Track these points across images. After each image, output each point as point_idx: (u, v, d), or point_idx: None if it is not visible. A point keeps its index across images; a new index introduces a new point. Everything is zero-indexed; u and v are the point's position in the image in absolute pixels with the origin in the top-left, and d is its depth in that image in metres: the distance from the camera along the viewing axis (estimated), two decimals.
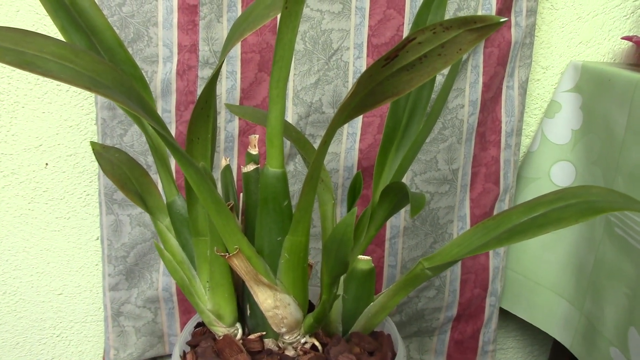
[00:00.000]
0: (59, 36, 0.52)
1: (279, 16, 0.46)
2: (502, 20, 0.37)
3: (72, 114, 0.89)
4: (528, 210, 0.49)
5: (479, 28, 0.38)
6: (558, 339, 0.94)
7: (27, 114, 0.88)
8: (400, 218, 0.92)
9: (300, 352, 0.55)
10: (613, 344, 0.80)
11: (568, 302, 0.93)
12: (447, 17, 0.83)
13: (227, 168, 0.60)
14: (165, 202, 0.57)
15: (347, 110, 0.43)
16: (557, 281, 0.95)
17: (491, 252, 0.98)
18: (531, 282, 0.98)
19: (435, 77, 0.63)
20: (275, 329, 0.54)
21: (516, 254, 1.01)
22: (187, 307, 0.92)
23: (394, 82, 0.41)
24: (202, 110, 0.49)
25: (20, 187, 0.92)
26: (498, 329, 1.10)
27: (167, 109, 0.82)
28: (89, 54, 0.40)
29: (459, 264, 0.97)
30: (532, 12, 0.87)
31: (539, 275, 0.97)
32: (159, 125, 0.42)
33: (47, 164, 0.92)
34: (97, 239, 0.97)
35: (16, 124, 0.89)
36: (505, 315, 1.09)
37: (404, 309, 0.97)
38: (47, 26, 0.84)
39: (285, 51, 0.44)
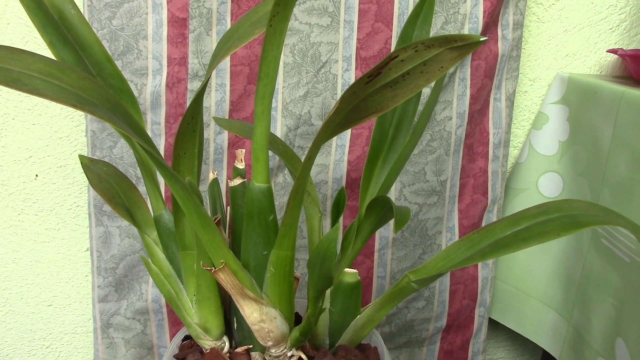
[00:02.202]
0: (49, 50, 0.53)
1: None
2: (481, 39, 0.38)
3: (62, 126, 0.90)
4: (511, 224, 0.50)
5: (460, 47, 0.38)
6: (547, 349, 0.95)
7: (17, 125, 0.89)
8: (389, 229, 0.92)
9: None
10: (601, 355, 0.81)
11: (556, 312, 0.93)
12: (434, 29, 0.84)
13: (215, 181, 0.60)
14: (152, 215, 0.57)
15: (332, 127, 0.43)
16: (546, 292, 0.95)
17: (480, 263, 0.98)
18: (520, 293, 0.99)
19: (420, 91, 0.63)
20: (261, 343, 0.54)
21: (505, 265, 1.01)
22: (176, 318, 0.92)
23: (377, 99, 0.42)
24: (189, 126, 0.50)
25: (10, 198, 0.92)
26: (488, 339, 1.10)
27: (157, 121, 0.82)
28: (76, 71, 0.40)
29: (448, 274, 0.97)
30: (519, 25, 0.88)
31: (528, 286, 0.98)
32: (145, 141, 0.43)
33: (37, 175, 0.92)
34: (87, 250, 0.97)
35: (6, 135, 0.89)
36: (494, 326, 1.10)
37: (393, 320, 0.97)
38: (37, 39, 0.84)
39: (270, 68, 0.45)
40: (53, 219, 0.95)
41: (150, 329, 0.92)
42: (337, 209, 0.61)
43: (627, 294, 0.76)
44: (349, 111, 0.43)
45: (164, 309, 0.91)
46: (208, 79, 0.48)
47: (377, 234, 0.92)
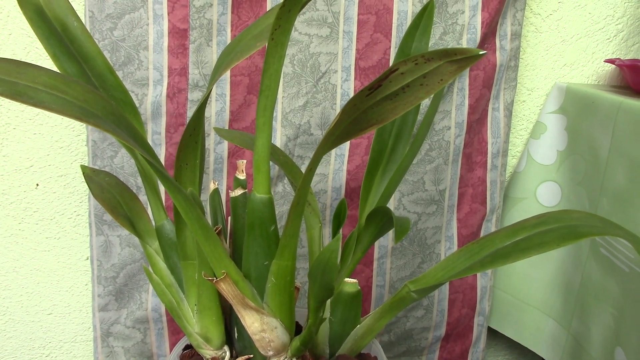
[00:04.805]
0: (51, 62, 0.53)
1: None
2: (481, 53, 0.38)
3: (63, 135, 0.90)
4: (511, 234, 0.50)
5: (459, 60, 0.39)
6: (546, 358, 0.95)
7: (18, 135, 0.89)
8: (388, 238, 0.92)
9: None
10: None
11: (555, 321, 0.93)
12: (433, 40, 0.84)
13: (216, 192, 0.60)
14: (154, 226, 0.58)
15: (332, 139, 0.44)
16: (545, 300, 0.96)
17: (479, 273, 0.98)
18: (519, 302, 0.99)
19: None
20: (262, 352, 0.55)
21: (504, 274, 1.01)
22: (176, 327, 0.92)
23: (378, 111, 0.42)
24: (191, 137, 0.50)
25: (10, 207, 0.92)
26: (486, 348, 1.10)
27: (157, 131, 0.82)
28: (80, 84, 0.41)
29: (447, 284, 0.97)
30: (517, 35, 0.89)
31: (527, 295, 0.98)
32: (148, 153, 0.43)
33: (37, 184, 0.92)
34: (87, 259, 0.97)
35: (7, 144, 0.89)
36: (493, 335, 1.10)
37: (392, 329, 0.97)
38: (39, 49, 0.85)
39: (272, 81, 0.45)
40: (53, 228, 0.95)
41: (150, 337, 0.92)
42: (338, 220, 0.61)
43: (626, 304, 0.76)
44: (349, 123, 0.43)
45: (164, 318, 0.91)
46: (210, 92, 0.49)
47: (376, 242, 0.93)
